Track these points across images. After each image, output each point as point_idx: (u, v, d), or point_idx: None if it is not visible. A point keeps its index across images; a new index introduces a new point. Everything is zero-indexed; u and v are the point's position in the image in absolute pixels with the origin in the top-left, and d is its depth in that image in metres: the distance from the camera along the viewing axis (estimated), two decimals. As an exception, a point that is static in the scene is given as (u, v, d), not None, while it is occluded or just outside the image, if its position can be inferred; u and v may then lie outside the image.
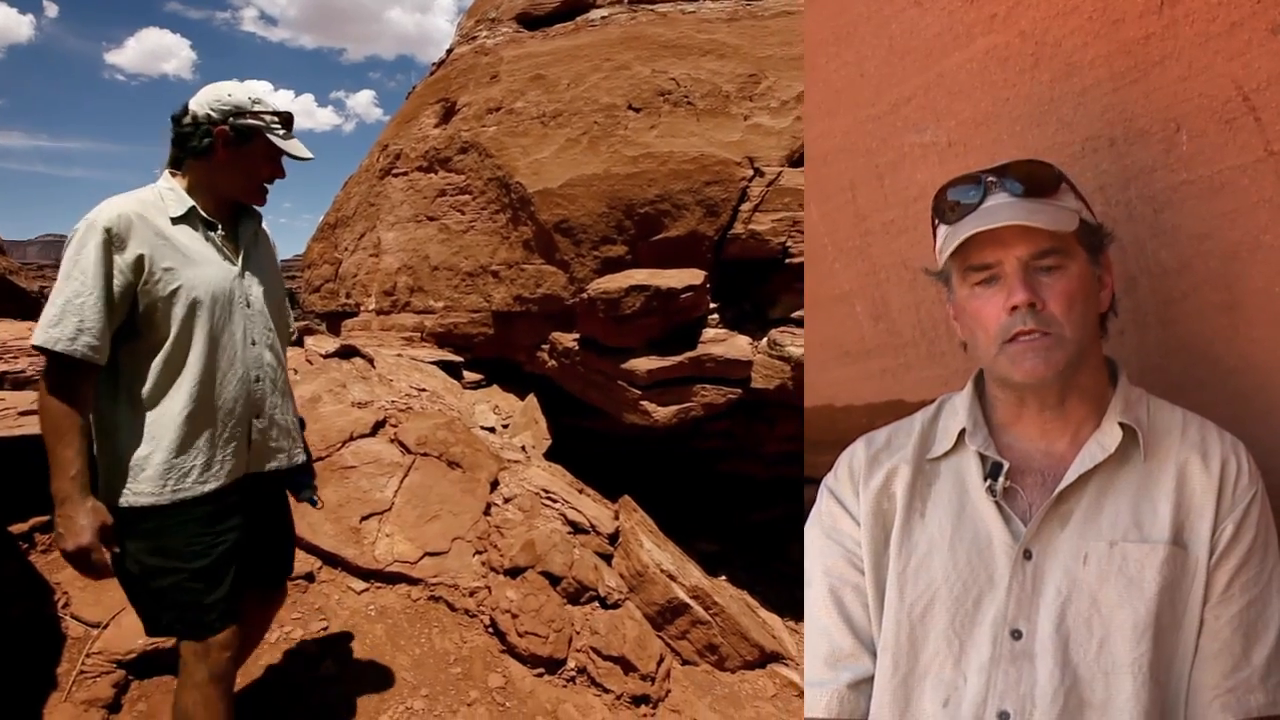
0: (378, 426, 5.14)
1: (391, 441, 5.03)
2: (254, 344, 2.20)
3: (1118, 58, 1.67)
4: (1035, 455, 1.55)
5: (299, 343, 6.55)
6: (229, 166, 2.12)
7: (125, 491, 2.00)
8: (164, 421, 2.02)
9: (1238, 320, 1.60)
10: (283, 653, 3.47)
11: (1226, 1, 1.55)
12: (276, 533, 2.51)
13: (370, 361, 6.56)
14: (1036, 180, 1.51)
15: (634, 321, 5.48)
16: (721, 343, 5.58)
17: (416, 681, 3.55)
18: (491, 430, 6.35)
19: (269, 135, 2.13)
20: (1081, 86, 1.71)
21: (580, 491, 5.51)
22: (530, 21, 8.13)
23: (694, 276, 5.53)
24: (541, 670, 3.87)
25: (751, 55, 6.54)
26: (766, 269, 5.78)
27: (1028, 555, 1.49)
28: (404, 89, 10.82)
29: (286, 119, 2.16)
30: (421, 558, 4.22)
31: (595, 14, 7.52)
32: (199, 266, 2.06)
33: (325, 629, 3.69)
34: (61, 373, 1.92)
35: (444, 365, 7.37)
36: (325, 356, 6.42)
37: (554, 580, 4.27)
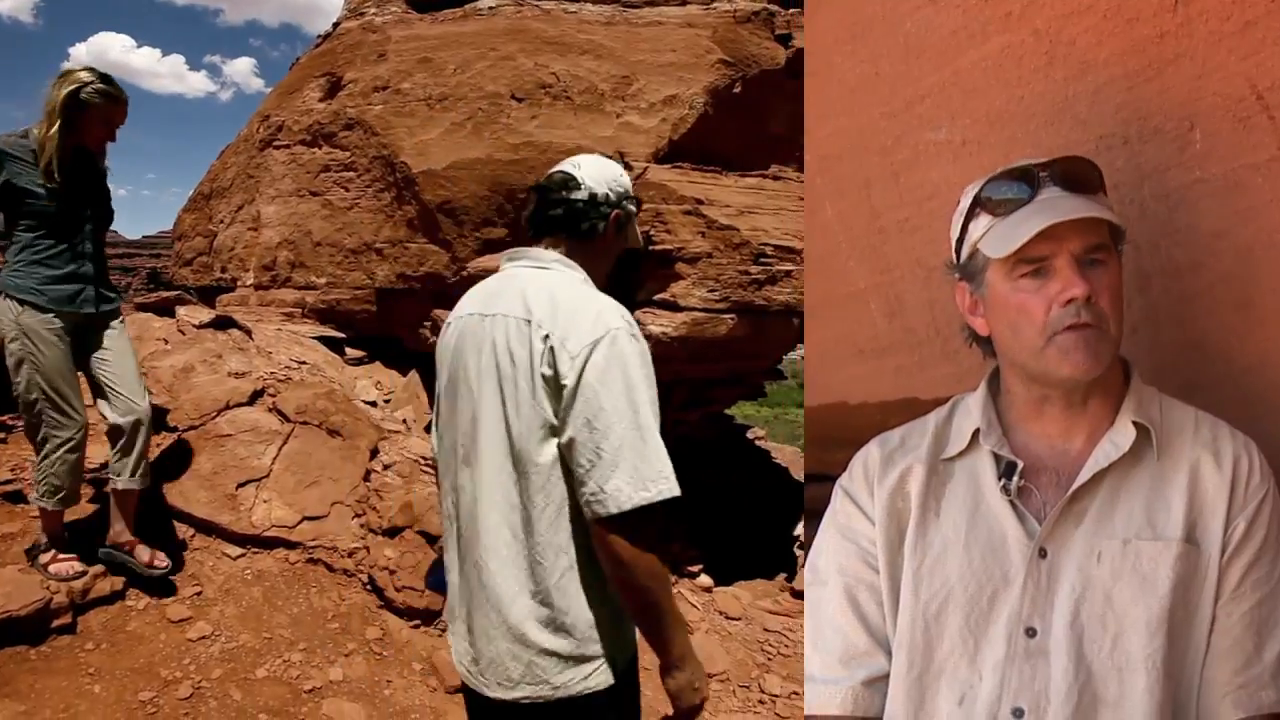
0: (256, 396, 5.14)
1: (270, 410, 5.05)
2: None
3: (1132, 56, 1.66)
4: (1049, 454, 1.56)
5: (169, 312, 6.44)
6: (608, 254, 1.91)
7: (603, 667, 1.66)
8: None
9: (1251, 319, 1.61)
10: (153, 618, 3.50)
11: (1240, 0, 1.55)
12: None
13: (248, 333, 6.46)
14: (1086, 177, 1.51)
15: (512, 299, 5.80)
16: (592, 321, 6.02)
17: (294, 637, 3.66)
18: (373, 405, 6.40)
19: (635, 223, 1.95)
20: (1095, 85, 1.71)
21: (459, 461, 5.69)
22: (419, 3, 8.25)
23: (567, 259, 5.93)
24: (418, 622, 4.07)
25: (625, 59, 6.98)
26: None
27: (1042, 553, 1.50)
28: (288, 59, 10.74)
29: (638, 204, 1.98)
30: (300, 522, 4.32)
31: (483, 3, 7.71)
32: None
33: (199, 593, 3.74)
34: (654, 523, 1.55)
35: (326, 341, 7.37)
36: (199, 327, 6.23)
37: (431, 539, 4.43)
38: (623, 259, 2.00)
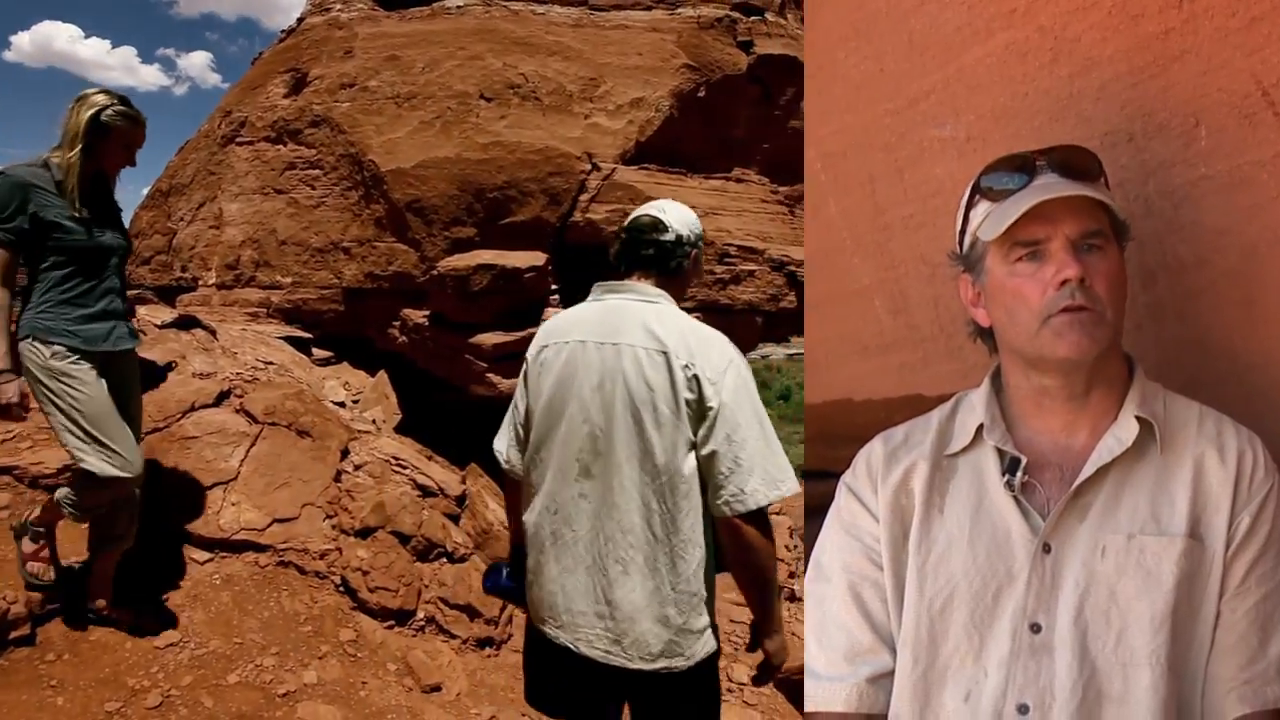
0: (222, 397, 5.02)
1: (237, 412, 4.96)
2: None
3: (1136, 53, 1.67)
4: (1053, 449, 1.56)
5: (130, 312, 6.35)
6: (685, 287, 2.15)
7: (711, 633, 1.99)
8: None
9: (1255, 315, 1.61)
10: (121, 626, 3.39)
11: (1245, -3, 1.56)
12: None
13: (212, 333, 6.31)
14: (1084, 164, 1.52)
15: (481, 299, 5.94)
16: (562, 320, 6.18)
17: (266, 641, 3.60)
18: (342, 405, 6.34)
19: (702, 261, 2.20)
20: (1100, 81, 1.71)
21: (429, 459, 5.72)
22: (387, 1, 8.23)
23: (537, 259, 5.99)
24: (392, 622, 4.10)
25: (593, 61, 7.09)
26: (603, 254, 6.16)
27: (1046, 549, 1.50)
28: (247, 54, 10.73)
29: None
30: (270, 524, 4.26)
31: (451, 2, 7.72)
32: None
33: (166, 600, 3.65)
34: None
35: (293, 341, 7.26)
36: (161, 326, 5.99)
37: (404, 539, 4.48)
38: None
